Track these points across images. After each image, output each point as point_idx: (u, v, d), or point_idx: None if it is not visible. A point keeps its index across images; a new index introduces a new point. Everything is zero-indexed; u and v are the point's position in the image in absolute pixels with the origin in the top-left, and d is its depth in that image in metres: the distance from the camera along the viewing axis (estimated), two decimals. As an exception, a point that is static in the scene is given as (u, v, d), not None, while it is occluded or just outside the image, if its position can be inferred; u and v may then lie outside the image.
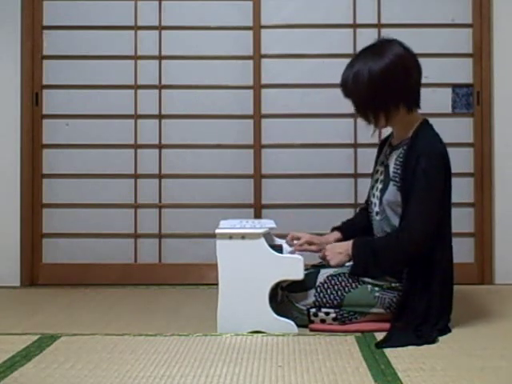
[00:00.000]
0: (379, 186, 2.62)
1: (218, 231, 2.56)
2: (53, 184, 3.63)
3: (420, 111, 2.63)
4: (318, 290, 2.57)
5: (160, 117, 3.63)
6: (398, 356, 2.21)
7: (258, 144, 3.60)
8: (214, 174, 3.62)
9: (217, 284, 2.56)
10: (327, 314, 2.56)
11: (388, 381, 1.97)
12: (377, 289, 2.54)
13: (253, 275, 2.52)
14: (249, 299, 2.52)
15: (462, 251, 3.49)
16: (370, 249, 2.52)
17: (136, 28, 3.63)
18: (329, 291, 2.56)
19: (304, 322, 2.58)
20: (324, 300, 2.56)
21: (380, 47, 2.54)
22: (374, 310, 2.54)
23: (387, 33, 3.51)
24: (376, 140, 3.56)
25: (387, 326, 2.46)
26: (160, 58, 3.64)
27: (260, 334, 2.49)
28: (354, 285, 2.55)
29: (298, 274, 2.51)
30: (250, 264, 2.52)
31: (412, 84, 2.53)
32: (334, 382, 1.97)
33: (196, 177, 3.62)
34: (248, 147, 3.62)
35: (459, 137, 3.51)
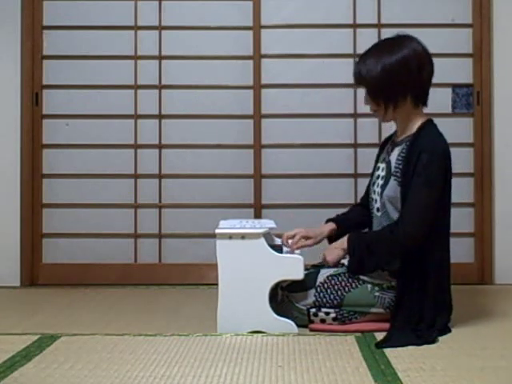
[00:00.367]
0: (380, 181, 2.62)
1: (217, 231, 2.56)
2: (53, 184, 3.63)
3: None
4: (318, 289, 2.57)
5: (160, 117, 3.63)
6: (398, 356, 2.21)
7: (258, 144, 3.60)
8: (213, 174, 3.62)
9: (217, 284, 2.56)
10: (327, 313, 2.56)
11: (388, 381, 1.97)
12: (377, 288, 2.54)
13: (253, 275, 2.52)
14: (249, 299, 2.52)
15: (462, 251, 3.50)
16: (364, 242, 2.52)
17: (136, 28, 3.63)
18: (329, 291, 2.56)
19: (304, 322, 2.58)
20: (324, 300, 2.56)
21: (397, 40, 2.57)
22: (374, 310, 2.54)
23: (387, 33, 3.52)
24: (376, 140, 3.58)
25: (387, 325, 2.46)
26: (160, 58, 3.64)
27: (260, 334, 2.49)
28: (353, 285, 2.55)
29: (298, 274, 2.51)
30: (250, 264, 2.52)
31: (423, 79, 2.55)
32: (334, 382, 1.97)
33: (196, 177, 3.62)
34: (248, 147, 3.62)
35: (459, 137, 3.51)
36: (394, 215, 2.55)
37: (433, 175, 2.45)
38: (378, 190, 2.63)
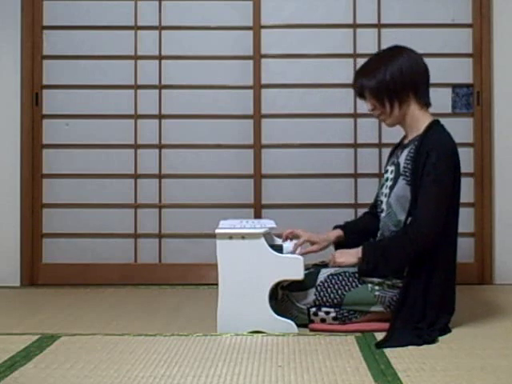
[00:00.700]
0: (389, 183, 2.63)
1: (217, 231, 2.56)
2: (53, 184, 3.63)
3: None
4: (319, 289, 2.57)
5: (160, 117, 3.63)
6: (398, 356, 2.20)
7: (258, 144, 3.60)
8: (214, 174, 3.62)
9: (217, 284, 2.56)
10: (327, 313, 2.56)
11: (388, 381, 1.97)
12: (377, 287, 2.54)
13: (253, 275, 2.52)
14: (249, 299, 2.52)
15: (462, 251, 3.48)
16: (379, 248, 2.52)
17: (136, 28, 3.63)
18: (329, 290, 2.56)
19: (304, 321, 2.58)
20: (324, 299, 2.56)
21: (392, 50, 2.64)
22: (375, 309, 2.54)
23: (387, 33, 3.55)
24: (376, 140, 3.58)
25: (387, 325, 2.46)
26: (160, 58, 3.64)
27: (260, 334, 2.49)
28: (354, 284, 2.55)
29: (298, 274, 2.51)
30: (250, 264, 2.52)
31: (424, 81, 2.61)
32: (334, 382, 1.97)
33: (196, 177, 3.62)
34: (248, 147, 3.62)
35: (459, 137, 3.46)
36: (401, 216, 2.55)
37: (442, 173, 2.46)
38: (386, 191, 2.64)
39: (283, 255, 2.57)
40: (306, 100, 3.62)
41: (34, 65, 3.60)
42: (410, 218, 2.51)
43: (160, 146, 3.64)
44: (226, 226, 2.64)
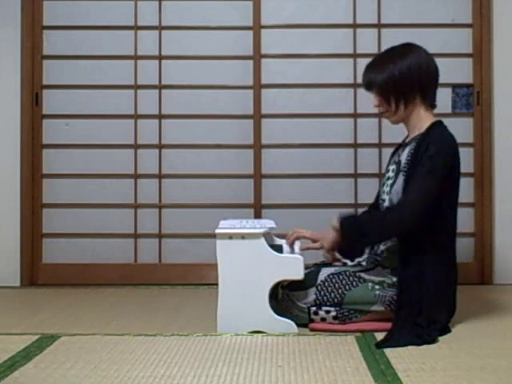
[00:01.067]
0: (390, 182, 2.64)
1: (217, 231, 2.56)
2: (53, 184, 3.63)
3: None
4: (319, 288, 2.57)
5: (160, 117, 3.63)
6: (398, 356, 2.20)
7: (258, 144, 3.60)
8: (214, 174, 3.62)
9: (217, 284, 2.56)
10: (328, 312, 2.56)
11: (388, 381, 1.97)
12: (377, 287, 2.54)
13: (253, 275, 2.52)
14: (249, 299, 2.52)
15: (462, 251, 3.49)
16: (357, 225, 2.55)
17: (136, 28, 3.63)
18: (329, 289, 2.56)
19: (305, 321, 2.58)
20: (325, 298, 2.56)
21: (404, 47, 2.64)
22: (375, 308, 2.54)
23: (387, 33, 3.55)
24: (376, 140, 3.58)
25: (387, 325, 2.46)
26: (160, 58, 3.64)
27: (260, 334, 2.49)
28: (354, 283, 2.56)
29: (298, 274, 2.51)
30: (250, 264, 2.52)
31: (433, 83, 2.63)
32: (334, 382, 1.97)
33: (196, 177, 3.62)
34: (248, 147, 3.62)
35: (459, 137, 3.43)
36: None
37: (437, 166, 2.47)
38: (387, 189, 2.64)
39: (283, 255, 2.57)
40: (305, 100, 3.62)
41: (34, 65, 3.60)
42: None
43: (160, 146, 3.64)
44: (226, 225, 2.64)
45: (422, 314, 2.43)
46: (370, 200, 2.90)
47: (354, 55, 3.58)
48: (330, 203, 3.55)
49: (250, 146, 3.61)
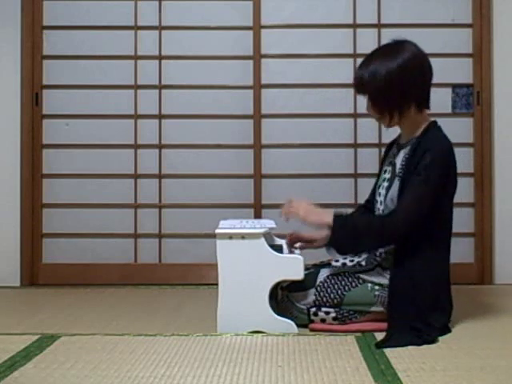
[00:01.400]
0: (385, 184, 2.63)
1: (217, 231, 2.56)
2: (53, 184, 3.63)
3: (422, 112, 2.64)
4: (318, 289, 2.57)
5: (160, 117, 3.63)
6: (398, 356, 2.20)
7: (258, 144, 3.60)
8: (214, 174, 3.62)
9: (217, 284, 2.56)
10: (327, 313, 2.56)
11: (388, 381, 1.97)
12: (377, 287, 2.54)
13: (253, 275, 2.52)
14: (249, 299, 2.52)
15: (462, 251, 3.50)
16: (350, 225, 2.52)
17: (136, 28, 3.63)
18: (329, 290, 2.56)
19: (304, 322, 2.58)
20: (324, 299, 2.56)
21: (395, 46, 2.56)
22: (374, 309, 2.54)
23: (387, 33, 3.54)
24: (376, 140, 3.58)
25: (387, 325, 2.46)
26: (160, 58, 3.64)
27: (260, 334, 2.49)
28: (353, 284, 2.56)
29: (298, 274, 2.51)
30: (250, 264, 2.52)
31: (425, 83, 2.56)
32: (334, 382, 1.97)
33: (196, 177, 3.62)
34: (248, 147, 3.62)
35: (459, 137, 3.50)
36: None
37: (432, 176, 2.45)
38: (383, 192, 2.63)
39: (283, 255, 2.57)
40: (305, 100, 3.62)
41: (34, 65, 3.60)
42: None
43: (160, 146, 3.64)
44: (226, 225, 2.64)
45: (419, 318, 2.42)
46: (370, 200, 2.90)
47: (354, 55, 3.58)
48: (330, 203, 3.53)
49: (250, 146, 3.61)
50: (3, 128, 3.58)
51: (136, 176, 3.63)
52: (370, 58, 2.57)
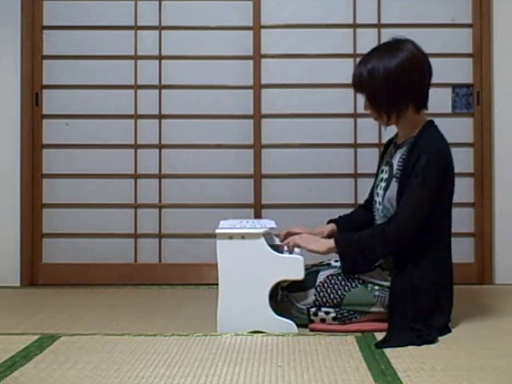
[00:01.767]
0: (383, 184, 2.63)
1: (217, 231, 2.56)
2: (53, 184, 3.63)
3: (421, 112, 2.64)
4: (318, 289, 2.57)
5: (160, 117, 3.63)
6: (398, 356, 2.20)
7: (258, 144, 3.60)
8: (214, 174, 3.62)
9: (217, 284, 2.56)
10: (327, 313, 2.56)
11: (388, 381, 1.97)
12: (377, 288, 2.54)
13: (253, 275, 2.52)
14: (249, 299, 2.52)
15: (462, 251, 3.50)
16: (355, 243, 2.52)
17: (136, 28, 3.63)
18: (329, 290, 2.56)
19: (304, 322, 2.58)
20: (324, 299, 2.56)
21: (394, 45, 2.56)
22: (374, 309, 2.54)
23: (387, 33, 3.52)
24: (376, 140, 3.58)
25: (387, 325, 2.46)
26: (160, 58, 3.64)
27: (260, 334, 2.49)
28: (353, 284, 2.55)
29: (298, 274, 2.51)
30: (250, 264, 2.52)
31: (424, 83, 2.55)
32: (334, 382, 1.97)
33: (196, 177, 3.62)
34: (248, 147, 3.62)
35: (459, 137, 3.51)
36: None
37: (430, 177, 2.45)
38: (381, 192, 2.63)
39: (283, 255, 2.57)
40: (305, 100, 3.62)
41: (34, 65, 3.60)
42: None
43: (160, 146, 3.64)
44: (226, 225, 2.64)
45: (419, 320, 2.42)
46: (370, 200, 2.90)
47: (354, 55, 3.58)
48: (330, 203, 3.55)
49: (250, 146, 3.61)
50: (3, 128, 3.58)
51: (136, 176, 3.63)
52: (368, 57, 2.57)
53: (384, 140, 3.52)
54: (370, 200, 2.78)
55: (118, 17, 3.63)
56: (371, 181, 3.28)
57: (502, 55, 3.55)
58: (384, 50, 2.58)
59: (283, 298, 2.65)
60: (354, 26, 3.61)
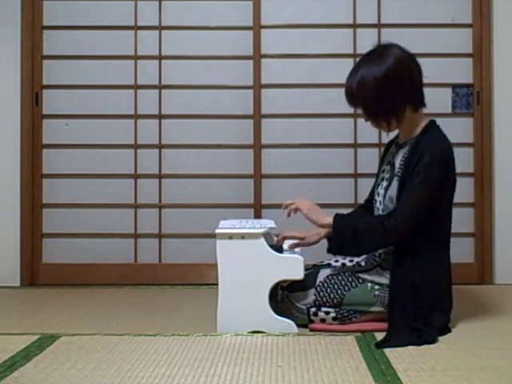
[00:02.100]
0: (384, 183, 2.63)
1: (217, 231, 2.56)
2: (53, 184, 3.63)
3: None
4: (318, 289, 2.57)
5: (160, 117, 3.63)
6: (398, 356, 2.20)
7: (258, 144, 3.60)
8: (214, 174, 3.62)
9: (217, 284, 2.56)
10: (327, 313, 2.56)
11: (388, 381, 1.97)
12: (377, 287, 2.54)
13: (253, 275, 2.52)
14: (249, 299, 2.52)
15: (462, 251, 3.50)
16: (351, 226, 2.52)
17: (136, 28, 3.63)
18: (329, 290, 2.56)
19: (304, 322, 2.58)
20: (324, 299, 2.56)
21: (380, 52, 2.56)
22: (374, 309, 2.54)
23: (387, 33, 3.55)
24: (376, 140, 3.58)
25: (387, 325, 2.46)
26: (160, 58, 3.64)
27: (260, 334, 2.49)
28: (353, 284, 2.56)
29: (298, 274, 2.51)
30: (250, 264, 2.52)
31: (415, 83, 2.55)
32: (334, 382, 1.97)
33: (196, 177, 3.62)
34: (248, 147, 3.62)
35: (459, 137, 3.50)
36: None
37: (431, 176, 2.46)
38: (381, 191, 2.64)
39: (283, 255, 2.57)
40: (305, 100, 3.62)
41: (34, 65, 3.60)
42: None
43: (160, 146, 3.64)
44: (225, 225, 2.64)
45: (419, 319, 2.42)
46: (370, 200, 2.90)
47: (354, 55, 3.58)
48: (330, 203, 3.54)
49: (250, 146, 3.61)
50: (3, 128, 3.59)
51: (136, 176, 3.63)
52: (356, 68, 2.57)
53: (384, 140, 3.52)
54: (371, 199, 2.78)
55: (118, 17, 3.63)
56: (371, 181, 3.29)
57: (502, 55, 3.55)
58: (371, 58, 2.56)
59: (283, 297, 2.65)
60: (354, 26, 3.61)
